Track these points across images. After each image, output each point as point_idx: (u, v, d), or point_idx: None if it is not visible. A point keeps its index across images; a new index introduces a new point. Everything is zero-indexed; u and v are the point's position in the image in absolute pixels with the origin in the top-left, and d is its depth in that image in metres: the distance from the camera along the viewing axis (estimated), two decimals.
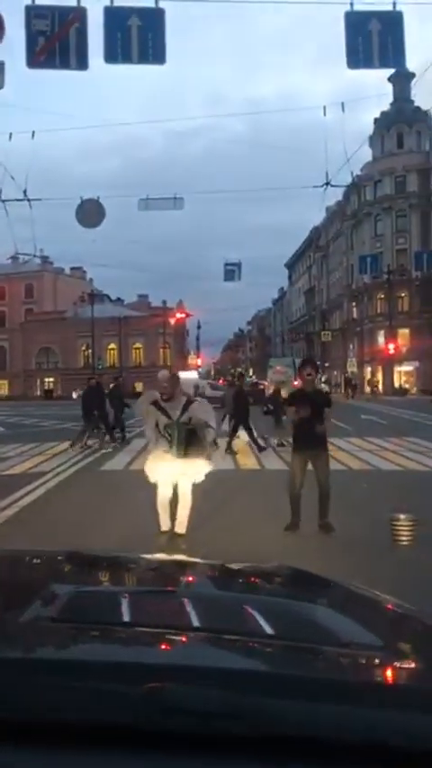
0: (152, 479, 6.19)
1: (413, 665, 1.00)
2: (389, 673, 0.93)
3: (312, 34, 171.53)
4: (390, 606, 1.36)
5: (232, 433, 13.29)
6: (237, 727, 0.68)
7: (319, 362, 51.85)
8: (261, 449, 13.27)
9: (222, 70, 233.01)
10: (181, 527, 6.08)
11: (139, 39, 7.72)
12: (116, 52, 7.86)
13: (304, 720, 0.70)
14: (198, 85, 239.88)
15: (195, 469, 6.06)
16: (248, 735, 0.68)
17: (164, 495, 6.15)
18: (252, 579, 1.59)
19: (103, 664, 0.80)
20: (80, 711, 0.69)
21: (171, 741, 0.66)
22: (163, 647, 0.95)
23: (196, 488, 6.19)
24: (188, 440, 5.93)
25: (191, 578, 1.57)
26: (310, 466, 6.62)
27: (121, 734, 0.67)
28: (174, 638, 0.97)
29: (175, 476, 6.08)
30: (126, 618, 1.08)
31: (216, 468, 6.63)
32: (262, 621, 1.06)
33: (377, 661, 0.96)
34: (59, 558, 1.70)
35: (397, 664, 0.97)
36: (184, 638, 0.98)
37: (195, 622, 1.06)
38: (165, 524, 6.16)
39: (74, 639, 0.96)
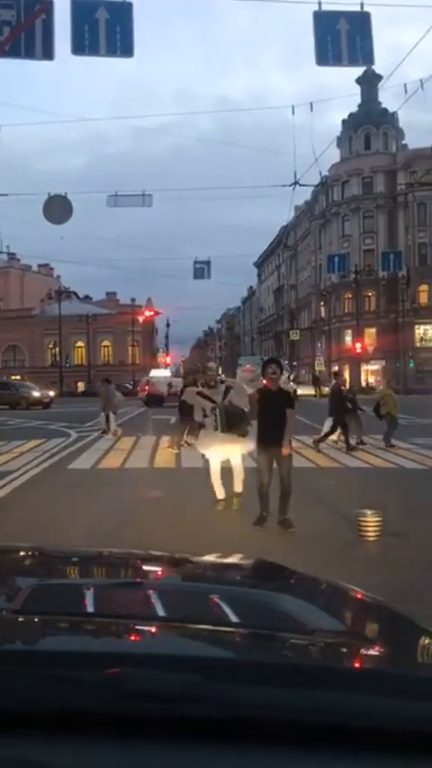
0: (207, 456, 7.48)
1: (375, 650, 1.02)
2: (350, 657, 0.95)
3: (281, 34, 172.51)
4: (354, 595, 1.38)
5: (330, 432, 13.17)
6: (197, 709, 0.70)
7: (287, 361, 52.28)
8: (351, 448, 12.93)
9: (191, 67, 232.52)
10: (239, 486, 7.37)
11: (106, 31, 7.64)
12: (83, 44, 7.77)
13: (264, 703, 0.72)
14: (166, 82, 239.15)
15: (241, 444, 7.24)
16: (209, 717, 0.70)
17: (215, 467, 7.36)
18: (219, 571, 1.61)
19: (61, 653, 0.81)
20: (38, 699, 0.70)
21: (132, 725, 0.69)
22: (123, 635, 0.96)
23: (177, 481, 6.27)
24: (230, 419, 7.15)
25: (158, 571, 1.58)
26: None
27: (82, 720, 0.68)
28: (135, 627, 0.98)
29: (224, 451, 7.27)
30: (90, 609, 1.09)
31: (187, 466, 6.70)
32: (227, 610, 1.08)
33: (340, 646, 0.98)
34: (22, 552, 1.67)
35: (359, 648, 0.98)
36: (145, 627, 0.98)
37: (160, 612, 1.07)
38: (220, 493, 7.33)
39: (35, 631, 0.97)
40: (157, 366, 55.61)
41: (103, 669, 0.71)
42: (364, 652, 0.98)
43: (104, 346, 67.09)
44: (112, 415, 16.54)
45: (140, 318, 58.97)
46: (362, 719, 0.72)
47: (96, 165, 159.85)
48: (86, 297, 70.75)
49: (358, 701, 0.74)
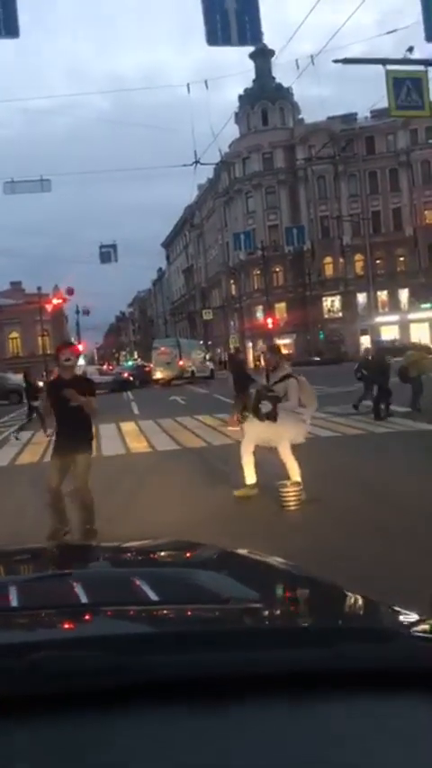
0: (243, 443, 6.93)
1: (281, 611, 1.17)
2: (257, 618, 1.09)
3: (172, 8, 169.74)
4: (270, 564, 1.51)
5: (382, 397, 13.09)
6: (114, 680, 0.79)
7: (202, 341, 52.30)
8: (380, 417, 12.87)
9: (80, 45, 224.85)
10: (294, 475, 6.64)
11: None
12: None
13: (176, 666, 0.82)
14: (56, 62, 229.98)
15: (284, 432, 6.67)
16: (129, 685, 0.79)
17: (244, 449, 6.86)
18: (139, 554, 1.72)
19: None
20: None
21: (59, 703, 0.77)
22: (46, 625, 1.04)
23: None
24: (257, 402, 6.73)
25: (81, 560, 1.65)
26: None
27: (13, 704, 0.77)
28: (57, 615, 1.07)
29: (265, 438, 6.74)
30: (16, 603, 1.17)
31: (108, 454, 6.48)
32: (146, 590, 1.18)
33: (250, 610, 1.11)
34: None
35: (266, 610, 1.14)
36: (67, 615, 1.07)
37: (83, 599, 1.16)
38: (249, 478, 6.88)
39: None
40: None
41: (27, 656, 0.79)
42: (272, 613, 1.13)
43: (12, 338, 64.83)
44: None
45: (48, 307, 57.20)
46: (263, 670, 0.83)
47: None
48: None
49: (259, 655, 0.85)
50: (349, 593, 1.19)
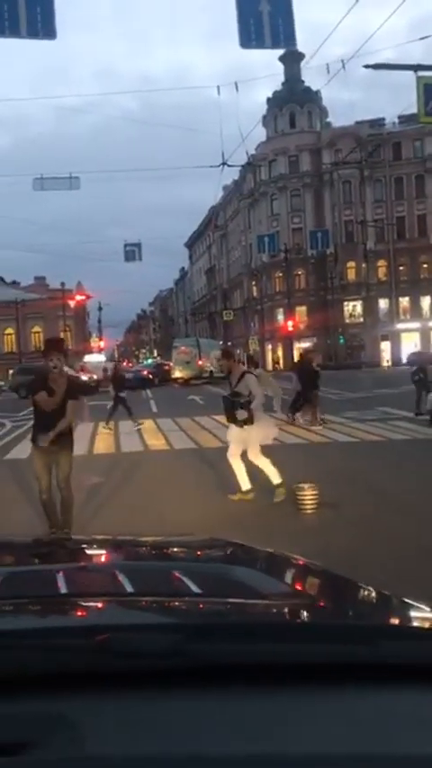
0: (230, 450, 7.08)
1: (318, 608, 1.24)
2: (296, 613, 1.16)
3: (203, 10, 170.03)
4: (295, 562, 1.59)
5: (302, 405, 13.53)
6: (173, 662, 0.86)
7: (221, 341, 52.12)
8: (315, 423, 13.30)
9: (112, 45, 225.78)
10: (274, 478, 6.83)
11: (27, 13, 7.37)
12: (4, 27, 7.48)
13: (226, 653, 0.89)
14: (87, 60, 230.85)
15: (254, 435, 6.87)
16: (182, 668, 0.86)
17: (231, 454, 7.02)
18: (177, 549, 1.82)
19: (58, 628, 1.00)
20: (42, 664, 0.86)
21: (124, 680, 0.85)
22: (106, 610, 1.12)
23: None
24: (229, 409, 6.93)
25: (125, 552, 1.75)
26: None
27: (84, 679, 0.85)
28: (115, 602, 1.17)
29: (240, 441, 6.93)
30: (72, 590, 1.27)
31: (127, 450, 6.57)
32: (189, 583, 1.27)
33: (285, 605, 1.19)
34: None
35: (305, 607, 1.20)
36: (124, 603, 1.17)
37: (134, 588, 1.25)
38: (244, 484, 6.95)
39: (31, 611, 1.13)
40: (90, 351, 54.76)
41: (95, 637, 0.87)
42: (310, 609, 1.19)
43: (35, 332, 65.31)
44: None
45: (71, 303, 57.65)
46: (306, 659, 0.90)
47: (19, 146, 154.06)
48: (14, 282, 68.49)
49: (301, 647, 0.92)
50: (386, 594, 1.26)
